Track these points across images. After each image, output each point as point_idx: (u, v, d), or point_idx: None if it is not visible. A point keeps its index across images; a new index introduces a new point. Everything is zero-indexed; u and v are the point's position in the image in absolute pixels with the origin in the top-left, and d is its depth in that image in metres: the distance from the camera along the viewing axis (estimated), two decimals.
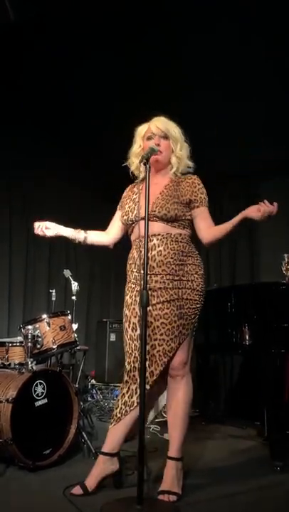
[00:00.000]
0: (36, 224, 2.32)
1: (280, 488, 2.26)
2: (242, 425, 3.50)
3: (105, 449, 2.15)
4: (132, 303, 2.21)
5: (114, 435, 2.15)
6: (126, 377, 2.19)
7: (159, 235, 2.17)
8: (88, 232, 2.39)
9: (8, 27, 3.13)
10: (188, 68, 3.73)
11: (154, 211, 2.17)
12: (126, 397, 2.14)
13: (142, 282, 1.94)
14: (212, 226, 2.25)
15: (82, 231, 2.38)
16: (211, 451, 2.91)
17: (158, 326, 2.13)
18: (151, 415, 3.54)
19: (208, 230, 2.24)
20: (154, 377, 2.12)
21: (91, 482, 2.10)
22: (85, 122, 4.61)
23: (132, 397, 2.12)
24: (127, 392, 2.15)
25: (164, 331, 2.12)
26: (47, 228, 2.32)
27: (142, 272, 1.96)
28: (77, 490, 2.07)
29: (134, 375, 2.14)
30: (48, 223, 2.32)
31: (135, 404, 2.09)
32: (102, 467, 2.13)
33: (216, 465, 2.60)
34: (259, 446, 2.98)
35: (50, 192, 5.29)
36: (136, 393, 2.09)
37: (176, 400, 2.18)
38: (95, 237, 2.41)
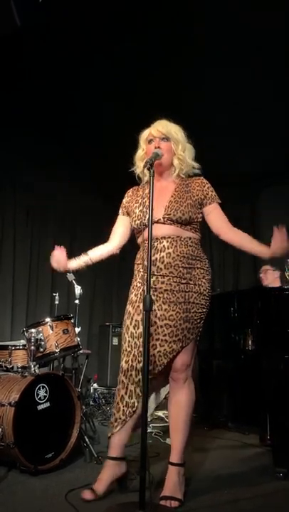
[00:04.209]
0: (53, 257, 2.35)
1: (283, 495, 2.24)
2: (245, 431, 3.48)
3: (113, 453, 2.15)
4: (136, 300, 2.21)
5: (120, 439, 2.14)
6: (122, 377, 2.16)
7: (169, 237, 2.17)
8: (89, 252, 2.39)
9: (14, 31, 3.15)
10: (188, 72, 3.75)
11: (169, 214, 2.18)
12: (126, 399, 2.13)
13: (146, 285, 1.94)
14: (230, 227, 2.28)
15: (83, 255, 2.38)
16: (213, 456, 2.90)
17: (162, 326, 2.12)
18: (151, 407, 3.51)
19: (232, 231, 2.27)
20: (151, 376, 2.09)
21: (100, 487, 2.08)
22: (87, 126, 4.63)
23: (131, 398, 2.12)
24: (126, 393, 2.14)
25: (168, 332, 2.11)
26: (58, 261, 2.33)
27: (148, 272, 1.95)
28: (88, 495, 2.04)
29: (131, 375, 2.13)
30: (57, 256, 2.34)
31: (136, 404, 2.10)
32: (111, 471, 2.12)
33: (219, 471, 2.59)
34: (262, 453, 2.95)
35: (52, 197, 5.30)
36: (135, 393, 2.10)
37: (178, 405, 2.17)
38: (98, 253, 2.40)
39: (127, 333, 2.20)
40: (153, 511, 1.90)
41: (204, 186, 2.29)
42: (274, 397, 2.60)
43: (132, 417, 2.12)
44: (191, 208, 2.21)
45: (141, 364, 2.08)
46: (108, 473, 2.12)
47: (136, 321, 2.17)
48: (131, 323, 2.20)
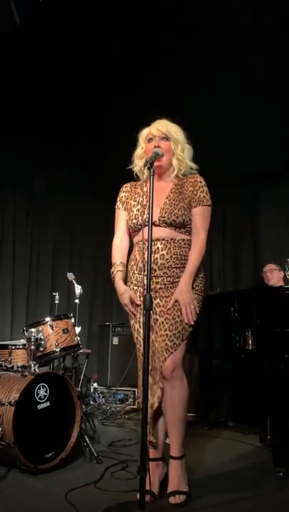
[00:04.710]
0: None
1: (283, 494, 2.25)
2: (245, 430, 3.48)
3: (153, 455, 2.19)
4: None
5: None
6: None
7: (163, 239, 2.19)
8: (119, 261, 2.31)
9: (14, 31, 3.15)
10: (188, 72, 3.75)
11: (164, 217, 2.19)
12: (151, 400, 2.13)
13: (145, 285, 1.94)
14: (196, 236, 2.22)
15: (120, 268, 2.28)
16: (213, 456, 2.90)
17: (162, 322, 2.14)
18: None
19: (192, 242, 2.22)
20: (161, 375, 2.12)
21: (155, 488, 2.11)
22: (87, 126, 4.63)
23: (153, 398, 2.13)
24: (150, 394, 2.13)
25: (168, 326, 2.13)
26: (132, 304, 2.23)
27: (143, 274, 1.97)
28: (148, 498, 2.00)
29: (152, 375, 2.14)
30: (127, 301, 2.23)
31: (156, 404, 2.12)
32: (158, 472, 2.18)
33: (219, 470, 2.59)
34: (262, 452, 2.95)
35: (52, 197, 5.30)
36: (156, 394, 2.12)
37: (173, 405, 2.15)
38: (125, 256, 2.35)
39: (139, 336, 2.23)
40: (153, 510, 1.91)
41: (196, 186, 2.26)
42: (274, 397, 2.60)
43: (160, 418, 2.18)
44: (184, 210, 2.21)
45: (155, 363, 2.12)
46: (156, 474, 2.16)
47: (142, 323, 2.18)
48: (140, 326, 2.21)
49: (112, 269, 2.30)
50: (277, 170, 5.03)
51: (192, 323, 2.15)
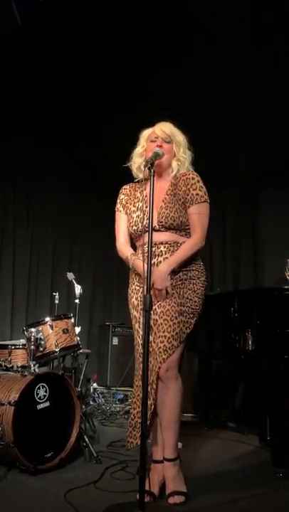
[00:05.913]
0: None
1: (282, 494, 2.25)
2: (244, 431, 3.48)
3: (155, 457, 2.19)
4: (138, 304, 2.24)
5: (156, 442, 2.19)
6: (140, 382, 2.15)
7: (166, 243, 2.20)
8: (132, 253, 2.31)
9: (14, 31, 3.15)
10: (188, 72, 3.75)
11: (162, 222, 2.19)
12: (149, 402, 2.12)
13: (146, 284, 1.95)
14: (193, 233, 2.23)
15: (134, 257, 2.27)
16: (213, 456, 2.89)
17: (161, 324, 2.14)
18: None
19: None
20: (155, 376, 2.11)
21: (155, 489, 2.11)
22: (87, 126, 4.63)
23: (149, 400, 2.09)
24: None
25: (166, 328, 2.13)
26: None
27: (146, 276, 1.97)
28: (148, 498, 2.00)
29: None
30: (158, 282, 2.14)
31: (153, 406, 2.10)
32: (160, 473, 2.15)
33: (219, 470, 2.59)
34: (261, 452, 2.95)
35: (52, 197, 5.30)
36: (152, 395, 2.10)
37: (169, 406, 2.14)
38: (132, 251, 2.36)
39: (139, 337, 2.23)
40: (152, 510, 1.91)
41: (188, 184, 2.25)
42: (274, 397, 2.60)
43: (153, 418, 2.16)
44: (180, 212, 2.22)
45: (151, 364, 2.10)
46: (157, 476, 2.15)
47: (143, 324, 2.18)
48: (140, 327, 2.21)
49: (129, 262, 2.26)
50: (277, 170, 5.03)
51: (160, 301, 2.13)
